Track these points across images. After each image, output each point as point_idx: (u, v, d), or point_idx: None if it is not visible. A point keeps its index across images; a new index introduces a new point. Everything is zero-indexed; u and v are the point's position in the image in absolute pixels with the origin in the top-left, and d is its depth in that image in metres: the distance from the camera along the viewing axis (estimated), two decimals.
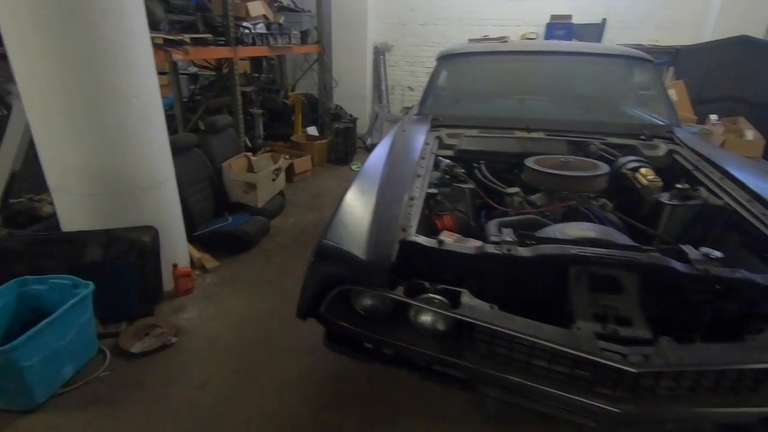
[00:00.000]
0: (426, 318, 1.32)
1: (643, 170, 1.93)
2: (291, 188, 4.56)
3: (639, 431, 1.38)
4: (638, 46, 5.58)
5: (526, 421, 1.89)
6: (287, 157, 4.99)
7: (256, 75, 5.88)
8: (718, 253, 1.35)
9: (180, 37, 3.61)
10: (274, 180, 3.78)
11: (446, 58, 2.86)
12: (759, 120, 5.01)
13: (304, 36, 5.80)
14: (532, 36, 5.92)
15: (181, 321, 2.48)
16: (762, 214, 1.55)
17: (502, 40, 4.21)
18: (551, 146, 2.23)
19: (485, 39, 5.27)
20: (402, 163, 1.94)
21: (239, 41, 4.30)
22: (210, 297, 2.72)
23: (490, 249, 1.36)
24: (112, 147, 2.30)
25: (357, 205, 1.60)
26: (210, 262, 3.03)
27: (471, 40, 4.21)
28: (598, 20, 5.82)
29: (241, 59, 6.05)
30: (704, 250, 1.35)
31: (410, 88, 6.85)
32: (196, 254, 3.02)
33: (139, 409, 1.93)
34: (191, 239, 3.13)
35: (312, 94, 6.58)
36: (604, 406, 1.13)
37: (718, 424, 1.24)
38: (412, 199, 1.65)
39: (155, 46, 3.29)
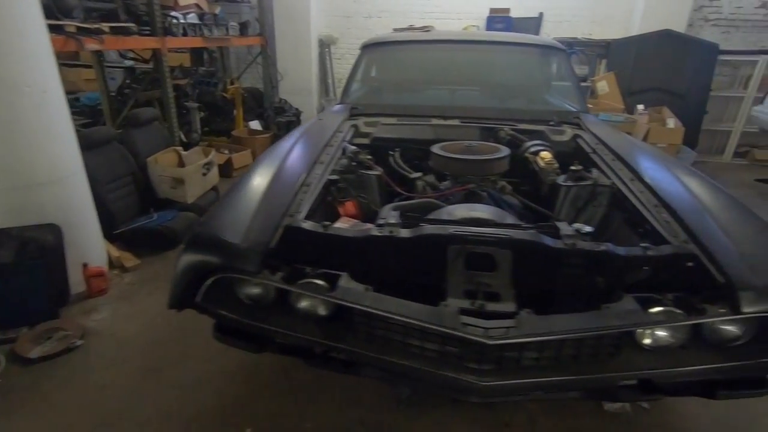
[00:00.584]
0: (305, 303, 1.31)
1: (542, 154, 1.99)
2: (229, 183, 4.43)
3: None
4: (573, 40, 5.80)
5: (438, 404, 1.92)
6: (225, 151, 4.87)
7: (194, 68, 5.68)
8: (588, 228, 1.41)
9: (96, 26, 3.43)
10: (204, 175, 3.66)
11: (369, 48, 2.86)
12: (681, 109, 5.32)
13: (244, 28, 5.65)
14: (473, 29, 6.02)
15: (91, 323, 2.36)
16: (640, 191, 1.63)
17: (425, 29, 4.25)
18: (464, 132, 2.27)
19: (410, 28, 5.32)
20: (304, 150, 1.92)
21: (167, 32, 4.14)
22: (126, 297, 2.61)
23: (373, 232, 1.36)
24: (3, 139, 2.15)
25: (245, 192, 1.57)
26: (130, 260, 2.90)
27: (396, 30, 4.22)
28: (535, 14, 5.98)
29: (177, 51, 5.86)
30: (576, 225, 1.40)
31: None
32: (115, 253, 2.88)
33: (33, 415, 1.82)
34: (111, 237, 2.98)
35: (258, 88, 6.44)
36: (471, 381, 1.15)
37: (585, 390, 1.30)
38: (307, 185, 1.64)
39: (66, 34, 3.13)
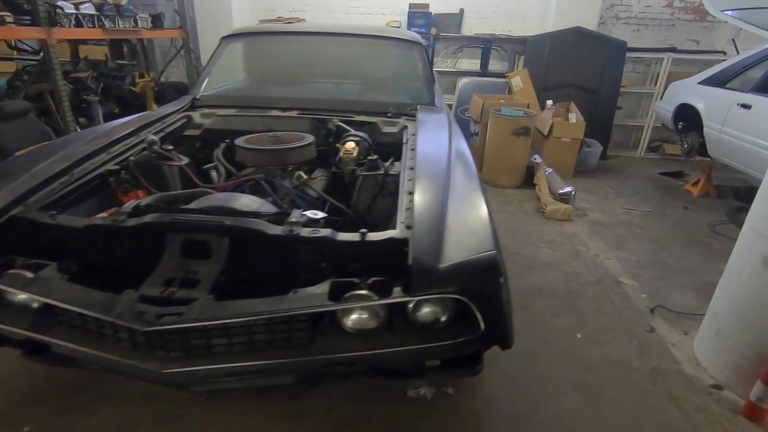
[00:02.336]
0: (11, 295, 1.28)
1: (347, 144, 2.00)
2: None
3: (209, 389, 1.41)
4: (492, 36, 5.87)
5: (242, 397, 1.91)
6: None
7: (104, 61, 5.52)
8: (322, 214, 1.42)
9: None
10: None
11: (228, 39, 2.82)
12: (593, 105, 5.46)
13: (157, 20, 5.52)
14: (395, 24, 6.03)
15: None
16: (408, 180, 1.66)
17: (289, 21, 4.24)
18: (296, 124, 2.26)
19: (278, 20, 5.31)
20: (101, 138, 1.88)
21: (53, 22, 4.00)
22: None
23: (96, 221, 1.34)
24: None
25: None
26: None
27: (261, 21, 4.19)
28: (456, 10, 6.04)
29: (96, 44, 5.70)
30: (310, 213, 1.41)
31: None
32: None
33: None
34: None
35: (183, 82, 6.32)
36: (152, 369, 1.14)
37: (295, 374, 1.31)
38: (71, 174, 1.60)
39: None
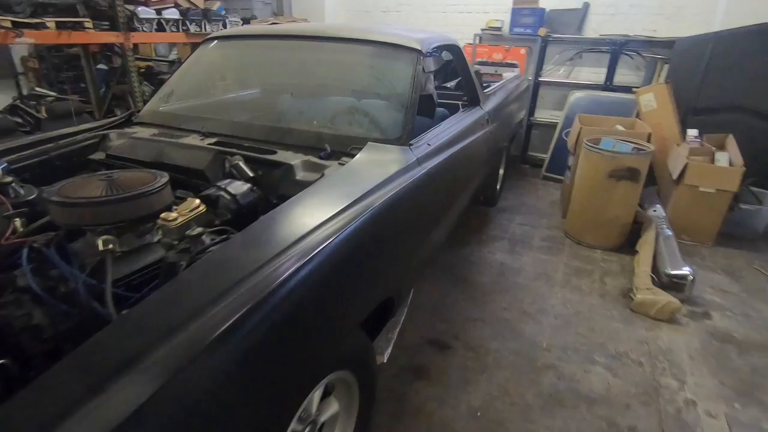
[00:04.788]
0: None
1: (186, 204, 1.34)
2: None
3: None
4: (625, 38, 4.45)
5: None
6: None
7: None
8: None
9: (39, 20, 3.59)
10: None
11: (204, 43, 2.39)
12: (764, 138, 3.65)
13: (247, 23, 5.56)
14: (495, 24, 5.01)
15: None
16: None
17: (276, 21, 3.54)
18: (192, 156, 1.70)
19: (277, 20, 4.63)
20: None
21: (132, 27, 4.20)
22: None
23: None
24: None
25: None
26: None
27: (258, 22, 3.57)
28: (578, 5, 4.72)
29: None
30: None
31: None
32: None
33: None
34: None
35: None
36: None
37: None
38: None
39: (4, 29, 3.31)
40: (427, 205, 1.74)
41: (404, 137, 1.73)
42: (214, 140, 1.82)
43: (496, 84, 3.54)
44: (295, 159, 1.62)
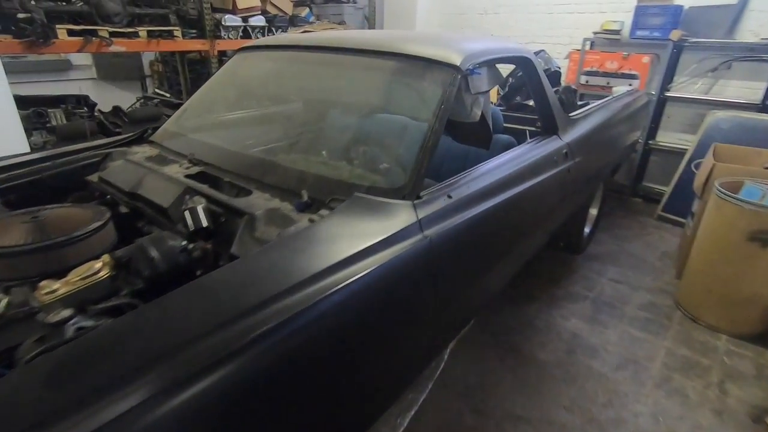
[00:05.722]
0: None
1: (86, 265, 1.05)
2: None
3: None
4: None
5: None
6: None
7: None
8: None
9: (133, 30, 3.81)
10: None
11: (239, 53, 2.16)
12: None
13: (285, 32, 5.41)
14: (613, 27, 4.12)
15: None
16: None
17: (307, 30, 3.03)
18: (160, 187, 1.46)
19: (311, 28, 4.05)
20: None
21: (217, 35, 4.29)
22: None
23: None
24: None
25: None
26: None
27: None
28: (732, 0, 3.63)
29: None
30: None
31: None
32: None
33: None
34: None
35: None
36: None
37: None
38: None
39: (100, 38, 3.56)
40: (435, 284, 1.25)
41: (409, 187, 1.26)
42: (197, 170, 1.55)
43: (596, 103, 2.80)
44: (261, 207, 1.27)
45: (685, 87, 3.96)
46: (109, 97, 5.34)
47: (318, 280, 0.96)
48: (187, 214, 1.27)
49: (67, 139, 3.34)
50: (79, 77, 6.59)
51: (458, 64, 1.46)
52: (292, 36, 2.08)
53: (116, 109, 4.07)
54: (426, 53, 1.50)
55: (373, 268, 1.03)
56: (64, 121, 3.75)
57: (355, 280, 0.99)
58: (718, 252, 2.40)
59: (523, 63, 1.89)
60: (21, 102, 3.48)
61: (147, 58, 7.20)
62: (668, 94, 3.97)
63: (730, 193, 2.31)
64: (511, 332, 2.40)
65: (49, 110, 3.69)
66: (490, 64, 1.67)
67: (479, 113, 1.61)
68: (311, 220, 1.17)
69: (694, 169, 3.42)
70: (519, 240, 1.81)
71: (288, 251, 1.05)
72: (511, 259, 1.82)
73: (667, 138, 4.19)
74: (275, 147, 1.65)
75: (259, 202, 1.30)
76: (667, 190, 3.91)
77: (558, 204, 2.09)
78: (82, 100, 4.13)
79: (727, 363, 2.22)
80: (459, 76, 1.45)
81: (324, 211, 1.21)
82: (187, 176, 1.50)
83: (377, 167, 1.36)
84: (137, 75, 7.16)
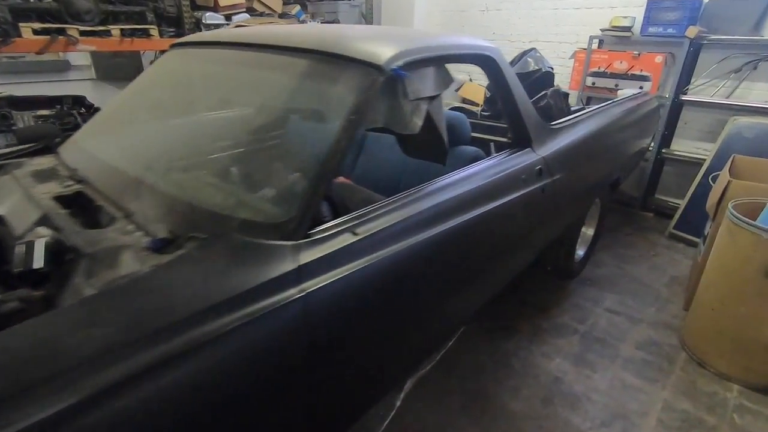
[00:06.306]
0: None
1: None
2: None
3: None
4: None
5: None
6: None
7: None
8: None
9: (105, 28, 3.63)
10: None
11: (169, 50, 1.91)
12: None
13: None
14: (623, 24, 3.72)
15: None
16: None
17: (239, 25, 2.74)
18: (18, 210, 1.22)
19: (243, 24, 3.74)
20: None
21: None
22: None
23: None
24: None
25: None
26: None
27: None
28: None
29: None
30: None
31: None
32: None
33: None
34: None
35: None
36: None
37: None
38: None
39: (67, 37, 3.39)
40: (309, 360, 0.94)
41: (294, 222, 0.96)
42: (74, 190, 1.30)
43: (590, 108, 2.44)
44: (110, 243, 1.00)
45: (703, 90, 3.54)
46: (108, 98, 5.22)
47: (120, 357, 0.68)
48: (18, 249, 1.02)
49: (28, 143, 3.19)
50: (78, 78, 6.53)
51: (380, 64, 1.16)
52: (219, 32, 1.83)
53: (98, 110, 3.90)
54: (343, 50, 1.21)
55: (205, 339, 0.75)
56: (31, 124, 3.59)
57: (169, 360, 0.71)
58: (729, 287, 2.02)
59: (484, 62, 1.57)
60: (16, 103, 3.42)
61: (147, 58, 7.11)
62: (684, 97, 3.55)
63: (744, 219, 1.93)
64: (481, 372, 2.08)
65: (13, 112, 3.54)
66: (436, 64, 1.36)
67: (420, 123, 1.30)
68: (152, 268, 0.89)
69: (711, 182, 3.01)
70: (468, 279, 1.48)
71: (105, 308, 0.78)
72: (455, 304, 1.50)
73: (683, 146, 3.77)
74: (159, 164, 1.38)
75: (112, 236, 1.03)
76: (681, 204, 3.50)
77: (529, 230, 1.75)
78: (79, 101, 3.99)
79: (738, 422, 1.85)
80: (381, 78, 1.15)
81: (181, 252, 0.94)
82: (57, 197, 1.25)
83: (259, 194, 1.07)
84: (137, 75, 7.08)
